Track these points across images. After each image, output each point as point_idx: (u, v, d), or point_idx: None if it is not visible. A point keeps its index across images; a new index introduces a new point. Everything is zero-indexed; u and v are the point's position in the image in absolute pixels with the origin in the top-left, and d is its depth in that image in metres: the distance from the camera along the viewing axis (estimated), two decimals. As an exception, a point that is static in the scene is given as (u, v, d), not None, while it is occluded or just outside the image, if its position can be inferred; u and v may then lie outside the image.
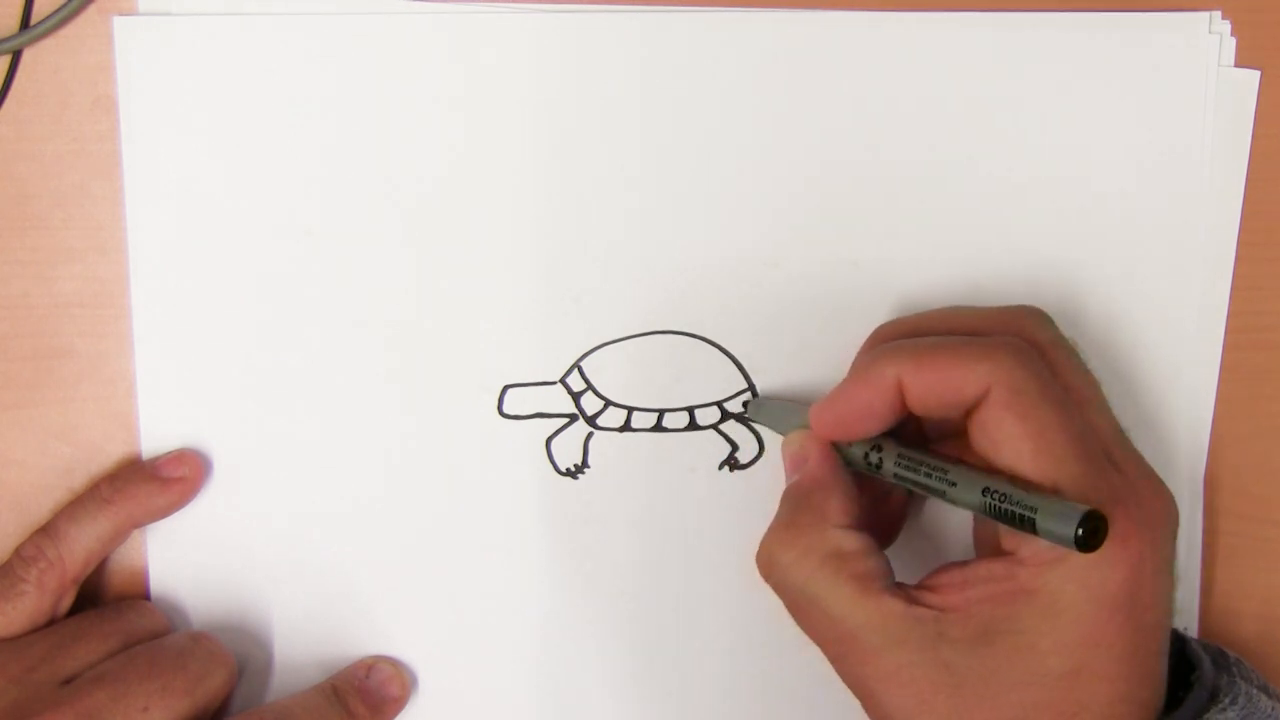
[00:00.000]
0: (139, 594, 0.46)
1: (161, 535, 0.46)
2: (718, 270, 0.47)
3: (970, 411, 0.39)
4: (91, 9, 0.45)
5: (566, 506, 0.47)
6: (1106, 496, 0.37)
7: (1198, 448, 0.49)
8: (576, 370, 0.47)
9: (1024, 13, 0.47)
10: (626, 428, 0.47)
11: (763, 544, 0.41)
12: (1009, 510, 0.37)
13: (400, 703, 0.46)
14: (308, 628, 0.47)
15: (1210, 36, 0.47)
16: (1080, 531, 0.35)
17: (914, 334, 0.42)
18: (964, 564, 0.40)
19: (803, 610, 0.40)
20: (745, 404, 0.47)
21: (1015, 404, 0.38)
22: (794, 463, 0.42)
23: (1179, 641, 0.42)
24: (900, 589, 0.39)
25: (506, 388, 0.47)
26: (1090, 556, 0.36)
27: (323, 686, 0.45)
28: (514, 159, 0.46)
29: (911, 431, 0.43)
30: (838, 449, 0.42)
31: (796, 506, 0.41)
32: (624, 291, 0.47)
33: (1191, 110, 0.47)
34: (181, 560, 0.46)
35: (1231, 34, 0.47)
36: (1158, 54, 0.47)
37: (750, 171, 0.46)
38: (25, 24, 0.45)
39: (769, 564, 0.41)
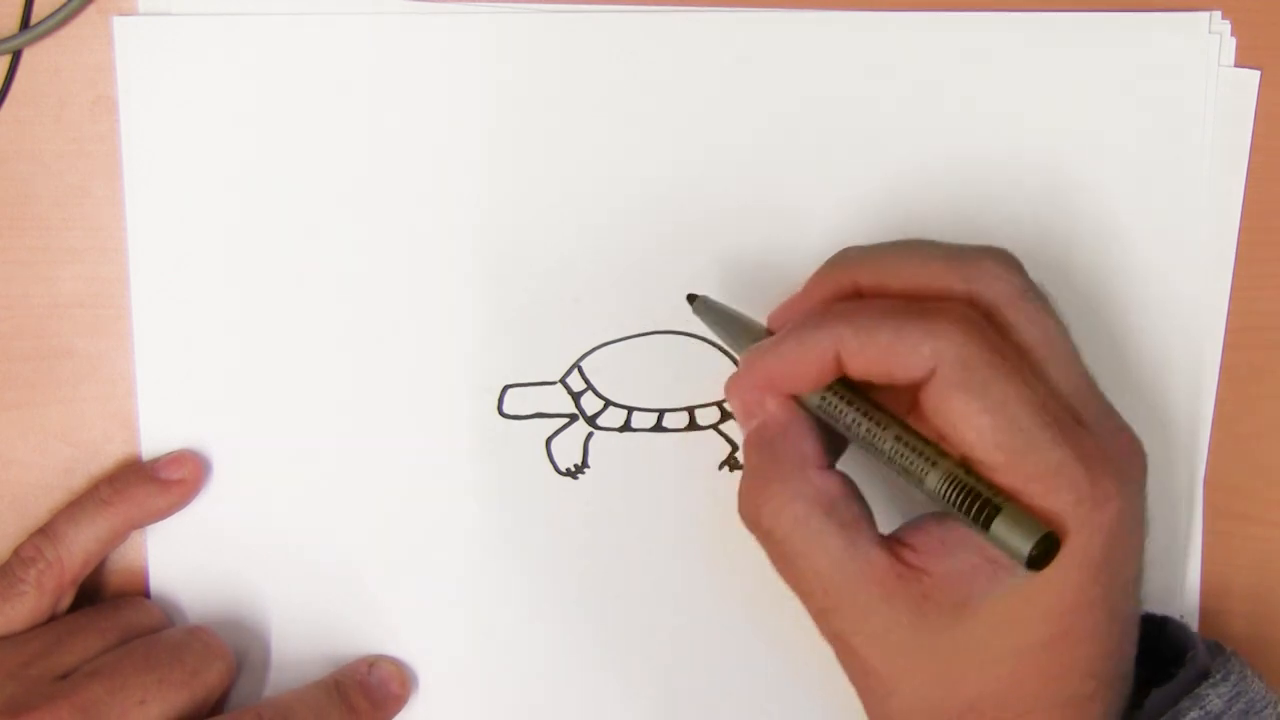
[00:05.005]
0: (139, 593, 0.46)
1: (162, 535, 0.46)
2: (718, 270, 0.47)
3: (921, 387, 0.37)
4: (91, 9, 0.45)
5: (566, 506, 0.47)
6: (1079, 460, 0.36)
7: (1198, 448, 0.49)
8: (576, 370, 0.47)
9: (1024, 13, 0.47)
10: (626, 428, 0.47)
11: (743, 495, 0.39)
12: (972, 495, 0.35)
13: (401, 700, 0.46)
14: (308, 627, 0.47)
15: (1210, 36, 0.47)
16: (1034, 552, 0.34)
17: (878, 268, 0.39)
18: (942, 521, 0.38)
19: (788, 560, 0.38)
20: (690, 297, 0.44)
21: (966, 381, 0.36)
22: (747, 407, 0.40)
23: (1176, 626, 0.43)
24: (885, 543, 0.38)
25: (506, 388, 0.47)
26: (1072, 522, 0.35)
27: (324, 682, 0.45)
28: (514, 158, 0.46)
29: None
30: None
31: (770, 452, 0.39)
32: (624, 291, 0.47)
33: (1191, 110, 0.47)
34: (181, 559, 0.46)
35: (1231, 34, 0.47)
36: (1158, 54, 0.47)
37: (750, 171, 0.46)
38: (25, 24, 0.45)
39: (754, 514, 0.39)
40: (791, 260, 0.47)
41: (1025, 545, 0.34)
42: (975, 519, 0.35)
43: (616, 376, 0.47)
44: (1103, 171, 0.47)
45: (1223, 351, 0.48)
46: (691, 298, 0.44)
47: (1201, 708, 0.39)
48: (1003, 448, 0.36)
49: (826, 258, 0.46)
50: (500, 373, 0.47)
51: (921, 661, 0.37)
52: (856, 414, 0.38)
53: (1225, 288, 0.48)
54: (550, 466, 0.47)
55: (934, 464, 0.36)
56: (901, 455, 0.37)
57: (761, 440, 0.39)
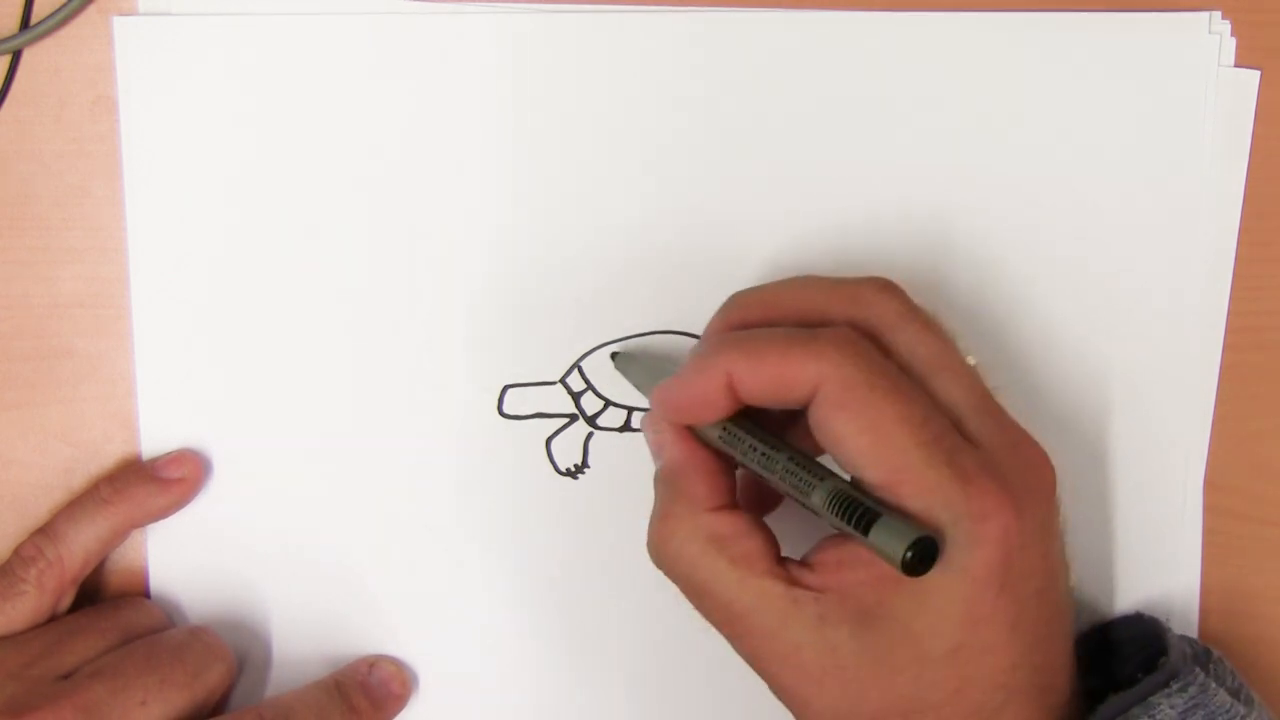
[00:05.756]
0: (139, 593, 0.46)
1: (162, 534, 0.46)
2: (717, 270, 0.47)
3: (808, 409, 0.38)
4: (91, 9, 0.45)
5: (566, 506, 0.47)
6: (955, 478, 0.36)
7: (1198, 448, 0.49)
8: (576, 370, 0.47)
9: (1024, 13, 0.47)
10: (626, 428, 0.47)
11: (648, 535, 0.41)
12: (853, 506, 0.36)
13: (401, 701, 0.46)
14: (308, 628, 0.47)
15: (1210, 36, 0.47)
16: (909, 555, 0.35)
17: (763, 306, 0.41)
18: (839, 542, 0.39)
19: (696, 596, 0.40)
20: (613, 355, 0.46)
21: (846, 400, 0.37)
22: (654, 447, 0.42)
23: (1158, 629, 0.43)
24: (782, 568, 0.39)
25: (506, 388, 0.47)
26: (953, 539, 0.36)
27: (324, 682, 0.45)
28: (514, 158, 0.46)
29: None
30: (695, 428, 0.41)
31: (669, 493, 0.40)
32: (624, 291, 0.47)
33: (1191, 110, 0.47)
34: (182, 559, 0.46)
35: (1231, 34, 0.47)
36: (1158, 54, 0.47)
37: (750, 171, 0.46)
38: (25, 24, 0.45)
39: (657, 554, 0.40)
40: (793, 258, 0.47)
41: (900, 548, 0.35)
42: (856, 527, 0.36)
43: (617, 376, 0.47)
44: (1102, 171, 0.47)
45: (1223, 351, 0.48)
46: (614, 355, 0.46)
47: (1151, 716, 0.39)
48: (881, 465, 0.37)
49: (826, 256, 0.47)
50: (500, 373, 0.47)
51: (827, 677, 0.38)
52: (753, 441, 0.39)
53: (1225, 288, 0.48)
54: (550, 466, 0.47)
55: (821, 480, 0.37)
56: (792, 476, 0.38)
57: (663, 481, 0.41)
